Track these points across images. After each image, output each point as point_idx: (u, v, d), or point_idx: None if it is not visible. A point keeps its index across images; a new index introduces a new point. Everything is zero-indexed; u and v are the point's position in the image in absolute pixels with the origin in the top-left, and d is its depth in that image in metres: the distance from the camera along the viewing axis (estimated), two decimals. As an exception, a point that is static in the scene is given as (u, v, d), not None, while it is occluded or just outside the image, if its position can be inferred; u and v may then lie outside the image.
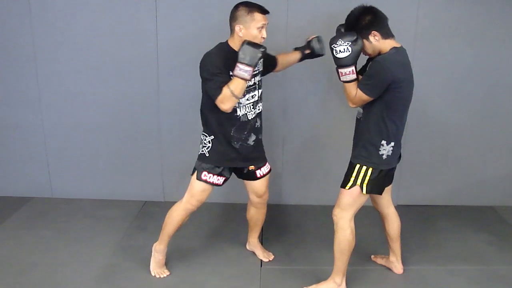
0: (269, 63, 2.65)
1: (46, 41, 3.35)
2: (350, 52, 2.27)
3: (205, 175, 2.57)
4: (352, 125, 2.54)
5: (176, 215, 2.66)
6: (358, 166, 2.42)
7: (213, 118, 2.50)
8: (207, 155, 2.57)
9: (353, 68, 2.31)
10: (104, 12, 3.28)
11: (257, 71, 2.51)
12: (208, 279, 2.73)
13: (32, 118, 3.53)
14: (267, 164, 2.75)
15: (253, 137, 2.57)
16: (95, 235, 3.18)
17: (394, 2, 3.15)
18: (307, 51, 2.73)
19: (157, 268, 2.77)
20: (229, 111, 2.39)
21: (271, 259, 2.93)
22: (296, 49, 2.77)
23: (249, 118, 2.51)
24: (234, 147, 2.54)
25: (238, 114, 2.48)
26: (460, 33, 3.32)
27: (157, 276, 2.74)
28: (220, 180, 2.60)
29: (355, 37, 2.26)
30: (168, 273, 2.75)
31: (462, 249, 3.09)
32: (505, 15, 3.29)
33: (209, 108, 2.48)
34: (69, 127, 3.54)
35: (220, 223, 3.39)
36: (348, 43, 2.26)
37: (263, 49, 2.30)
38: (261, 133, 2.64)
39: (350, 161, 2.48)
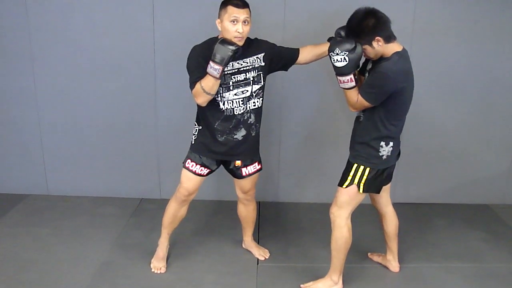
0: (280, 58, 2.55)
1: (43, 38, 3.33)
2: (347, 62, 2.23)
3: (188, 163, 2.62)
4: (348, 123, 2.55)
5: (170, 206, 2.73)
6: (356, 165, 2.42)
7: (200, 109, 2.53)
8: (193, 143, 2.62)
9: (352, 76, 2.28)
10: (100, 9, 3.27)
11: (250, 67, 2.45)
12: (205, 276, 2.73)
13: (28, 115, 3.51)
14: (255, 164, 2.71)
15: (242, 132, 2.54)
16: (91, 233, 3.17)
17: (391, 0, 3.16)
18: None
19: (155, 261, 2.79)
20: (204, 105, 2.42)
21: (267, 257, 2.93)
22: (329, 39, 2.53)
23: (236, 113, 2.49)
24: (218, 140, 2.54)
25: (222, 108, 2.48)
26: (456, 31, 3.32)
27: (153, 270, 2.76)
28: (204, 171, 2.62)
29: (353, 46, 2.21)
30: (164, 270, 2.75)
31: (458, 247, 3.11)
32: (501, 14, 3.30)
33: None
34: (65, 124, 3.53)
35: (217, 221, 3.39)
36: (345, 53, 2.22)
37: (234, 48, 2.27)
38: (255, 130, 2.59)
39: (348, 160, 2.48)
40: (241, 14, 2.31)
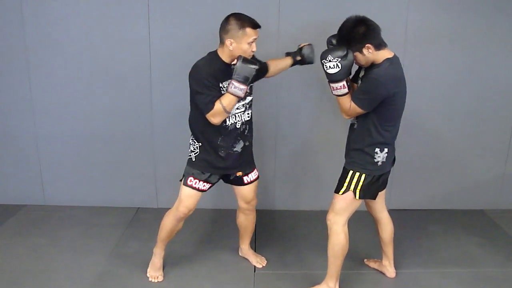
0: (259, 70, 2.58)
1: (39, 49, 3.35)
2: (340, 69, 2.27)
3: (191, 181, 2.58)
4: (343, 130, 2.57)
5: (167, 223, 2.68)
6: (351, 172, 2.44)
7: (200, 128, 2.51)
8: (194, 160, 2.59)
9: (344, 82, 2.31)
10: (97, 21, 3.29)
11: None
12: (202, 284, 2.74)
13: (25, 125, 3.52)
14: (255, 170, 2.75)
15: (240, 144, 2.57)
16: (88, 243, 3.17)
17: (384, 8, 3.20)
18: (298, 58, 2.75)
19: (152, 271, 2.79)
20: (219, 124, 2.41)
21: (264, 265, 2.94)
22: (287, 54, 2.77)
23: (238, 127, 2.52)
24: (220, 155, 2.55)
25: (227, 124, 2.48)
26: (449, 39, 3.37)
27: (151, 279, 2.75)
28: (207, 186, 2.61)
29: (345, 53, 2.25)
30: (161, 279, 2.75)
31: (454, 252, 3.13)
32: (494, 21, 3.34)
33: (196, 118, 2.49)
34: (62, 134, 3.53)
35: (213, 229, 3.40)
36: (337, 59, 2.26)
37: (257, 67, 2.31)
38: (249, 139, 2.63)
39: (344, 167, 2.50)
40: (257, 34, 2.36)
